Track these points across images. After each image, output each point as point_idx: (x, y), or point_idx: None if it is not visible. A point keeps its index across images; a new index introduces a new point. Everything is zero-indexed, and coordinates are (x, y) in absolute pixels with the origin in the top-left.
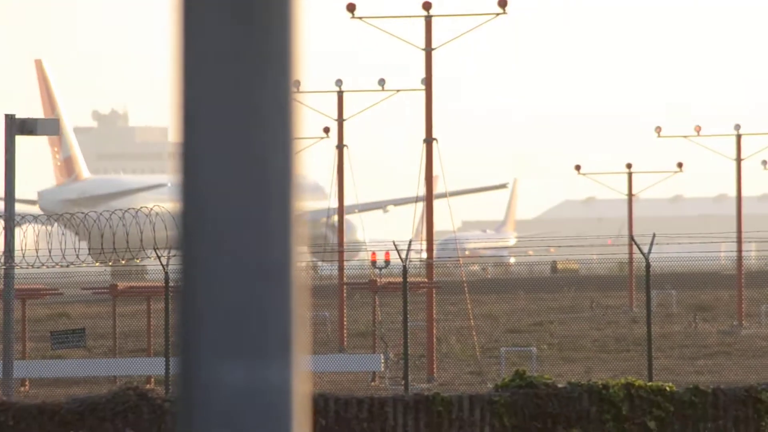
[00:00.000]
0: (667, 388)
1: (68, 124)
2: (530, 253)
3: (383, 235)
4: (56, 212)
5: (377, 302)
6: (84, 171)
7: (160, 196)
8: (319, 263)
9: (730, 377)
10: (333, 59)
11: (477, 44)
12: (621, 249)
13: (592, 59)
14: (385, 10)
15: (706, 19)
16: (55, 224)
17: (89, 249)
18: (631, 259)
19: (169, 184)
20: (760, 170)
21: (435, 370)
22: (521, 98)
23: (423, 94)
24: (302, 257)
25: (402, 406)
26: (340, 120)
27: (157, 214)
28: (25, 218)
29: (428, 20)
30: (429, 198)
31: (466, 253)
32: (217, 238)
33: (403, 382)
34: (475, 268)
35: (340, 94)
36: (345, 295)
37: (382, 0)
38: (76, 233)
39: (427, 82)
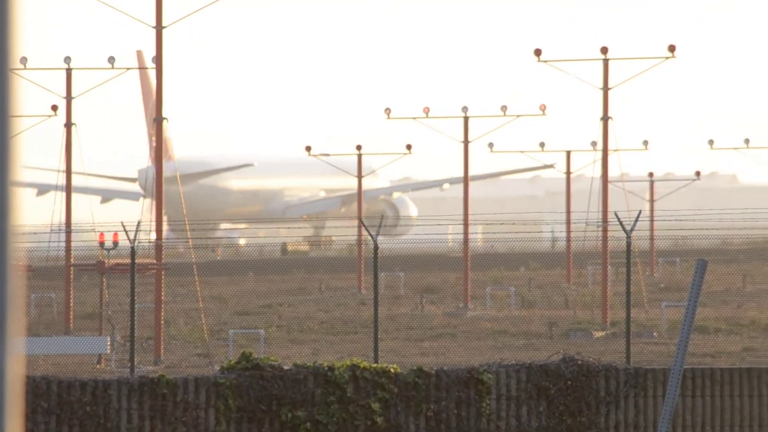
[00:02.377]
0: (392, 370)
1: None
2: (260, 234)
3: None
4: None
5: (105, 284)
6: (175, 152)
7: (243, 175)
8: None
9: (455, 359)
10: (61, 36)
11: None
12: (353, 231)
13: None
14: None
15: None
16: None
17: (169, 222)
18: (359, 241)
19: (255, 164)
20: (486, 152)
21: (162, 353)
22: None
23: (153, 72)
24: (17, 237)
25: (126, 389)
26: (69, 98)
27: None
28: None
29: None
30: (158, 182)
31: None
32: None
33: (129, 365)
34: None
35: (69, 71)
36: (72, 276)
37: None
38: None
39: (158, 61)
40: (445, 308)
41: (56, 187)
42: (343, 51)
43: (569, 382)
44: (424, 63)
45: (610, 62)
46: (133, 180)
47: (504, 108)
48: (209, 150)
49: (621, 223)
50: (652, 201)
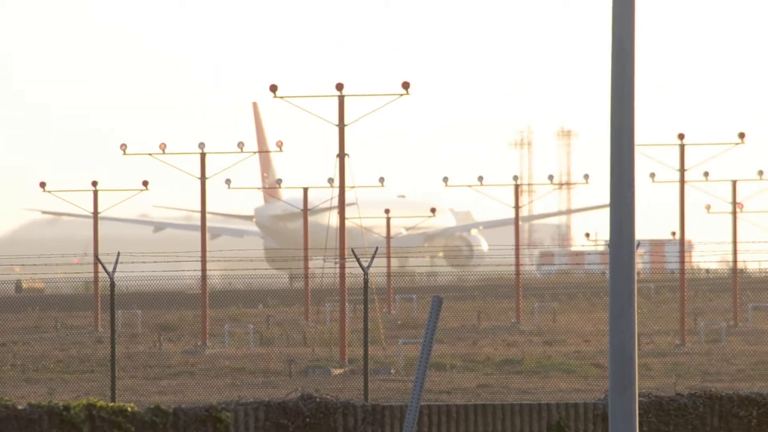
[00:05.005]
0: (129, 409)
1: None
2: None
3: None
4: (267, 225)
5: None
6: (283, 192)
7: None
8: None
9: (193, 397)
10: None
11: None
12: (87, 268)
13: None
14: None
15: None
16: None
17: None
18: (96, 278)
19: (356, 201)
20: (224, 189)
21: None
22: None
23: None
24: None
25: None
26: None
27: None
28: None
29: None
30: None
31: None
32: None
33: None
34: None
35: None
36: None
37: None
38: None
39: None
40: (183, 346)
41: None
42: (75, 88)
43: (308, 420)
44: (160, 98)
45: (345, 99)
46: (249, 217)
47: (241, 144)
48: None
49: (358, 260)
50: (388, 238)
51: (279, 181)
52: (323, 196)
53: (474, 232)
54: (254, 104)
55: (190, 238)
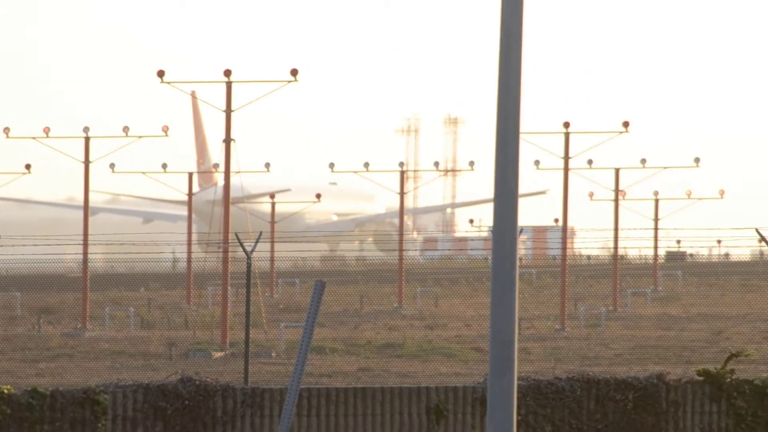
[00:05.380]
0: (5, 391)
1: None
2: None
3: None
4: (202, 210)
5: None
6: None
7: (283, 199)
8: None
9: (72, 379)
10: None
11: None
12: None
13: None
14: None
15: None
16: None
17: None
18: None
19: (291, 189)
20: (108, 173)
21: None
22: None
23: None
24: None
25: None
26: None
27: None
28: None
29: None
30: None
31: None
32: None
33: None
34: None
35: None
36: None
37: None
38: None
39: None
40: (62, 329)
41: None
42: None
43: (187, 402)
44: (44, 83)
45: (233, 85)
46: (183, 202)
47: (126, 129)
48: None
49: (242, 244)
50: (272, 222)
51: (216, 165)
52: (257, 183)
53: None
54: (192, 92)
55: (74, 221)
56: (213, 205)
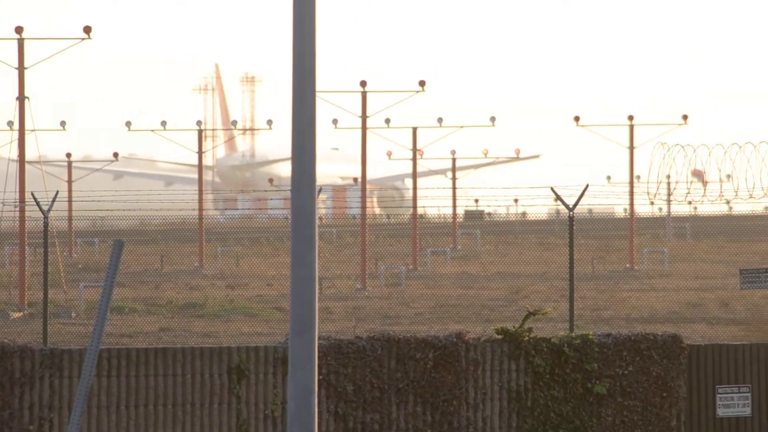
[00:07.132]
0: None
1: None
2: None
3: None
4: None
5: None
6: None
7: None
8: None
9: None
10: None
11: None
12: None
13: None
14: None
15: None
16: None
17: None
18: None
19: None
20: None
21: None
22: None
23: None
24: None
25: None
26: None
27: None
28: None
29: None
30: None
31: None
32: None
33: None
34: None
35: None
36: None
37: None
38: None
39: None
40: None
41: None
42: None
43: None
44: None
45: (25, 42)
46: (210, 167)
47: None
48: None
49: (38, 204)
50: (69, 182)
51: (234, 122)
52: (271, 144)
53: (407, 181)
54: (216, 65)
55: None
56: (237, 170)
